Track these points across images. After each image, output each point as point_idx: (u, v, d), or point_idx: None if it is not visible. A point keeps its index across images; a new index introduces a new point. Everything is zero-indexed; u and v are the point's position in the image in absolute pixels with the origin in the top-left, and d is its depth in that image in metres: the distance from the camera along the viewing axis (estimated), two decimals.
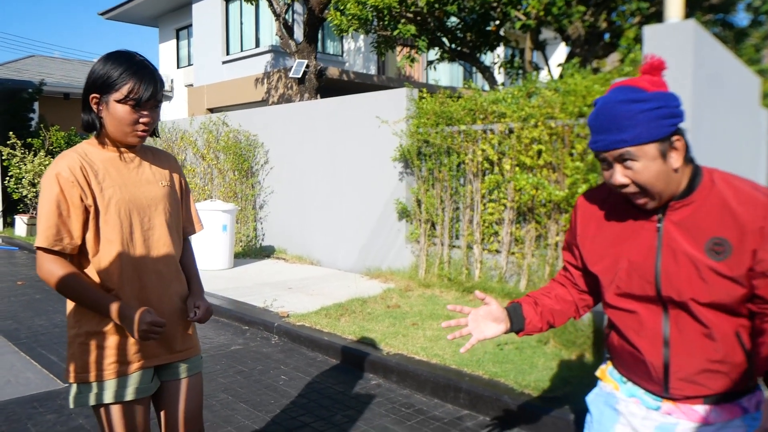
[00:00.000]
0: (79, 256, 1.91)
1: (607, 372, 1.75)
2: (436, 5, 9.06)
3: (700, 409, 1.54)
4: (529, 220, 6.24)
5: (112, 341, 1.91)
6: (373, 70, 17.73)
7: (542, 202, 6.04)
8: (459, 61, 10.95)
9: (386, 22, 9.77)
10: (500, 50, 16.13)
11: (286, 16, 13.01)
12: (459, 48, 10.39)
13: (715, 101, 4.40)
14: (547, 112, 5.96)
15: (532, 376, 3.98)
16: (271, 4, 12.45)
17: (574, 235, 1.74)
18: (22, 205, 13.74)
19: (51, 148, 14.06)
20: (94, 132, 1.95)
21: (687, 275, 1.48)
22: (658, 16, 7.90)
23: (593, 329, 4.61)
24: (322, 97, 12.71)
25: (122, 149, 1.97)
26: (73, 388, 1.92)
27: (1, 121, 13.74)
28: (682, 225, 1.50)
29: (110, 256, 1.90)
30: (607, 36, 9.26)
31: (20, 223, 12.95)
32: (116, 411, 1.91)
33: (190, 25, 18.80)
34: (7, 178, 13.32)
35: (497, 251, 6.59)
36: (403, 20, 9.65)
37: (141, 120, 1.89)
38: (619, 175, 1.47)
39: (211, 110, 16.96)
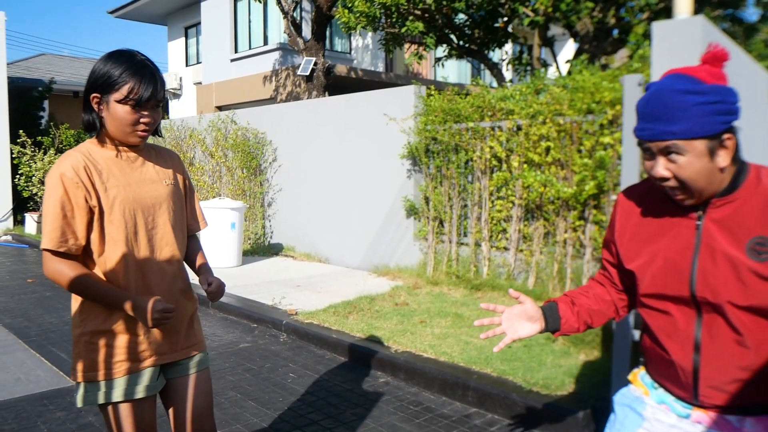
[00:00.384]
0: (83, 256, 1.92)
1: (638, 376, 1.70)
2: (444, 2, 9.04)
3: (732, 419, 1.46)
4: (537, 217, 6.22)
5: (117, 340, 1.92)
6: (381, 68, 17.72)
7: (550, 199, 6.02)
8: (467, 58, 10.92)
9: (394, 19, 9.76)
10: (508, 47, 16.09)
11: (294, 14, 13.01)
12: (467, 45, 10.36)
13: None
14: (556, 109, 5.94)
15: (540, 374, 3.97)
16: (279, 2, 12.45)
17: (612, 231, 1.67)
18: (32, 203, 13.83)
19: (61, 146, 14.16)
20: (95, 132, 1.95)
21: (724, 276, 1.40)
22: (667, 12, 7.85)
23: (602, 327, 4.59)
24: (330, 94, 12.71)
25: (124, 148, 1.97)
26: (81, 387, 1.93)
27: (12, 119, 13.81)
28: (723, 223, 1.42)
29: (115, 256, 1.90)
30: (615, 32, 9.20)
31: (30, 220, 13.04)
32: (124, 409, 1.93)
33: (199, 23, 18.84)
34: (18, 176, 13.41)
35: (505, 248, 6.57)
36: (411, 17, 9.64)
37: (141, 120, 1.89)
38: (661, 168, 1.40)
39: (220, 108, 17.00)
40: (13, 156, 13.42)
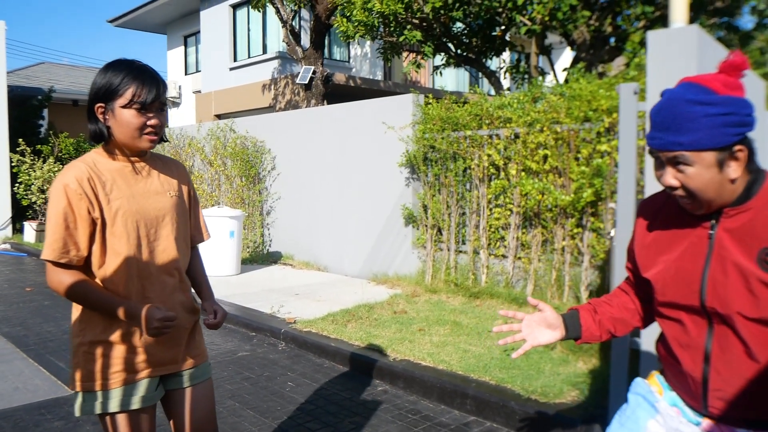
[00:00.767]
0: (85, 267, 1.92)
1: (655, 376, 1.70)
2: (442, 11, 9.07)
3: None
4: (536, 224, 6.24)
5: (116, 350, 1.92)
6: (379, 76, 17.77)
7: (548, 206, 6.03)
8: (465, 67, 10.95)
9: (392, 28, 9.80)
10: (506, 55, 16.12)
11: (293, 23, 13.07)
12: (465, 53, 10.40)
13: None
14: (553, 117, 5.96)
15: (539, 382, 3.97)
16: (278, 11, 12.51)
17: (632, 241, 1.68)
18: (31, 212, 13.81)
19: (60, 154, 14.16)
20: (102, 142, 1.95)
21: (734, 287, 1.38)
22: (663, 20, 7.89)
23: None
24: (328, 102, 12.75)
25: (132, 159, 1.97)
26: (79, 397, 1.93)
27: (11, 127, 13.83)
28: (735, 233, 1.39)
29: (116, 268, 1.90)
30: (612, 40, 9.23)
31: (29, 229, 13.03)
32: (121, 419, 1.92)
33: (198, 32, 18.91)
34: (17, 184, 13.41)
35: (504, 256, 6.58)
36: (409, 26, 9.67)
37: (149, 123, 1.88)
38: (670, 177, 1.39)
39: (219, 116, 17.04)
40: (13, 164, 13.43)
